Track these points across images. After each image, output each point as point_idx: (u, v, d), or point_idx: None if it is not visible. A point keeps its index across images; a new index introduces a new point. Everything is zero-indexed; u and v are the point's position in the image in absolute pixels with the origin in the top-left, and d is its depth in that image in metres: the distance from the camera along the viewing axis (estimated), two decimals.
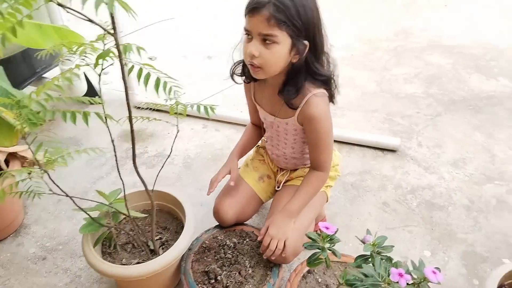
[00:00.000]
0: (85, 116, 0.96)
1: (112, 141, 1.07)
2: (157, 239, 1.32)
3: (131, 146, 1.05)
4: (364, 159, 1.91)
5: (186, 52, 2.70)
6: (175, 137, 1.14)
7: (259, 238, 1.26)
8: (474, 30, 2.99)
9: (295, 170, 1.44)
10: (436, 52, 2.74)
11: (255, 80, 1.28)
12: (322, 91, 1.17)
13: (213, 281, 1.24)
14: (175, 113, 1.10)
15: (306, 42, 1.08)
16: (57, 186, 1.09)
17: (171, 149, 1.15)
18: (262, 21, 1.03)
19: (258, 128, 1.49)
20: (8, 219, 1.51)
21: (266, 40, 1.05)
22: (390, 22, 3.12)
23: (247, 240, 1.35)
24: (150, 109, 2.17)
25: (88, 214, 1.17)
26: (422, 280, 0.94)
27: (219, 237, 1.36)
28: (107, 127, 1.02)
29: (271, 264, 1.28)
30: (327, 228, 0.96)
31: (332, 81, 1.21)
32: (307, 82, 1.17)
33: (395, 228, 1.60)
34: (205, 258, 1.31)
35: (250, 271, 1.26)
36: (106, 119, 1.00)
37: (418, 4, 3.39)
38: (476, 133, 2.07)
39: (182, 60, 2.63)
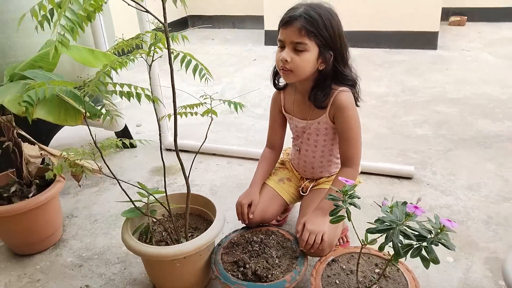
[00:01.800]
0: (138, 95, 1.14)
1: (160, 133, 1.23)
2: (189, 236, 1.41)
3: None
4: (381, 186, 2.01)
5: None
6: (209, 126, 1.30)
7: (298, 234, 1.34)
8: (476, 86, 3.22)
9: (321, 178, 1.55)
10: (442, 104, 2.94)
11: (283, 89, 1.47)
12: (347, 88, 1.33)
13: (242, 268, 1.30)
14: (208, 111, 1.28)
15: (331, 53, 1.27)
16: (108, 168, 1.24)
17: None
18: (295, 32, 1.24)
19: (274, 153, 1.59)
20: (49, 230, 1.62)
21: (297, 48, 1.25)
22: (397, 83, 3.39)
23: (273, 236, 1.43)
24: (180, 150, 2.36)
25: (131, 200, 1.29)
26: (441, 228, 1.02)
27: (246, 235, 1.44)
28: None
29: (297, 254, 1.34)
30: (346, 181, 1.07)
31: (357, 85, 1.38)
32: (333, 84, 1.34)
33: None
34: (233, 251, 1.38)
35: (276, 261, 1.32)
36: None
37: (421, 69, 3.69)
38: (487, 163, 2.16)
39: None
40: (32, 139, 1.40)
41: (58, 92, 1.10)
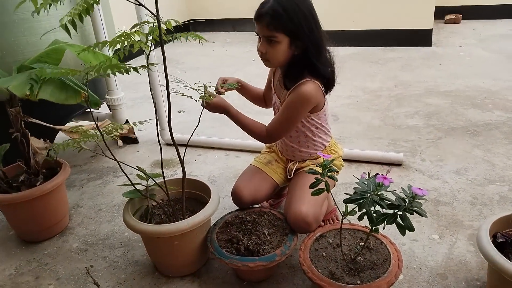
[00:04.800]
0: None
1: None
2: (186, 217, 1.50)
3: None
4: (371, 173, 2.08)
5: None
6: (201, 112, 1.40)
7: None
8: (468, 79, 3.30)
9: (305, 161, 1.64)
10: (434, 96, 3.02)
11: None
12: (317, 82, 1.41)
13: (235, 245, 1.39)
14: (203, 97, 1.38)
15: (302, 40, 1.36)
16: (112, 154, 1.34)
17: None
18: (264, 27, 1.35)
19: (261, 97, 1.71)
20: (56, 218, 1.72)
21: (269, 40, 1.36)
22: (390, 78, 3.48)
23: (265, 216, 1.52)
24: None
25: (132, 183, 1.39)
26: (413, 196, 1.11)
27: (240, 216, 1.53)
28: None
29: (287, 232, 1.43)
30: (325, 156, 1.16)
31: (331, 75, 1.46)
32: (308, 73, 1.43)
33: None
34: (228, 230, 1.47)
35: (268, 238, 1.41)
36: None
37: (415, 65, 3.78)
38: (475, 149, 2.25)
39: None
40: (43, 123, 1.50)
41: (59, 74, 1.19)
